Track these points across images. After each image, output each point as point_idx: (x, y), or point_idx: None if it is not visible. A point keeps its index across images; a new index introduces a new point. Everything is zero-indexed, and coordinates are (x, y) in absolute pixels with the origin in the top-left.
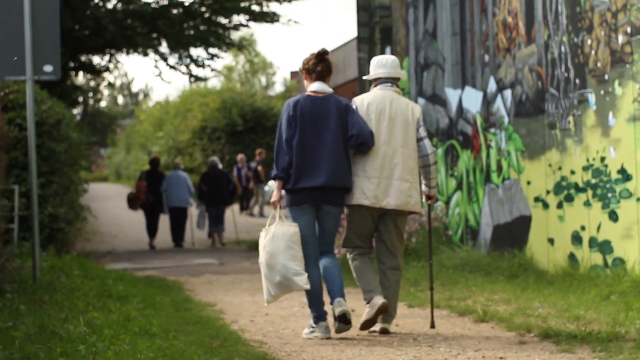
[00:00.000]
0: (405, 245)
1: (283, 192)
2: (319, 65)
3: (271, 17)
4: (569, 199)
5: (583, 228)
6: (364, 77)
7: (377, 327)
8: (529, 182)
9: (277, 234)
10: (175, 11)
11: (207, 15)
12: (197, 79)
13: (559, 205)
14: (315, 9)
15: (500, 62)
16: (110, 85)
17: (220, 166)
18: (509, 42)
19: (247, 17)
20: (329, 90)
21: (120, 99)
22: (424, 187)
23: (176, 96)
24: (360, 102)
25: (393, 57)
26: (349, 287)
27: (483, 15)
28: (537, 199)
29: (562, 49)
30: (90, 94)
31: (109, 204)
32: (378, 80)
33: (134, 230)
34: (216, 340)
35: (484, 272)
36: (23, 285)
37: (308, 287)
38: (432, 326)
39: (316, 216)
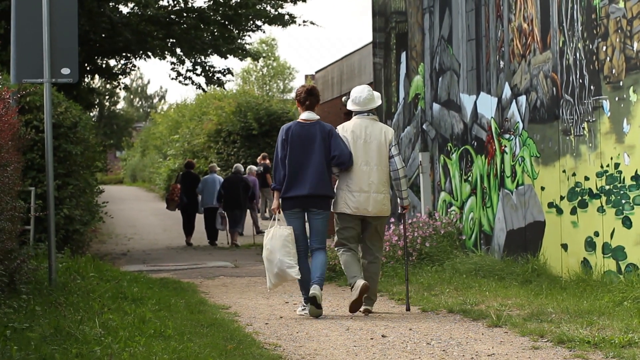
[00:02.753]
0: (412, 248)
1: None
2: (308, 99)
3: (287, 20)
4: (583, 205)
5: (597, 234)
6: (348, 108)
7: (360, 309)
8: (543, 188)
9: (275, 235)
10: (189, 17)
11: (221, 21)
12: (213, 82)
13: (573, 211)
14: (331, 13)
15: (515, 68)
16: (126, 88)
17: (246, 169)
18: (524, 48)
19: (262, 20)
20: (316, 117)
21: (136, 102)
22: (398, 200)
23: (192, 99)
24: (342, 129)
25: (366, 94)
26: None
27: (499, 21)
28: (551, 205)
29: (577, 55)
30: (107, 97)
31: (124, 206)
32: (356, 112)
33: (148, 233)
34: (231, 343)
35: (498, 277)
36: (39, 286)
37: (299, 277)
38: (408, 309)
39: (307, 218)
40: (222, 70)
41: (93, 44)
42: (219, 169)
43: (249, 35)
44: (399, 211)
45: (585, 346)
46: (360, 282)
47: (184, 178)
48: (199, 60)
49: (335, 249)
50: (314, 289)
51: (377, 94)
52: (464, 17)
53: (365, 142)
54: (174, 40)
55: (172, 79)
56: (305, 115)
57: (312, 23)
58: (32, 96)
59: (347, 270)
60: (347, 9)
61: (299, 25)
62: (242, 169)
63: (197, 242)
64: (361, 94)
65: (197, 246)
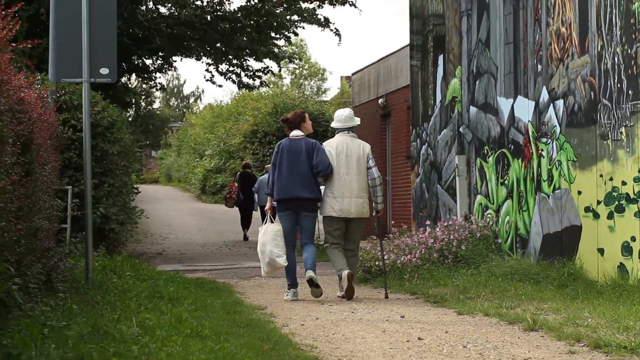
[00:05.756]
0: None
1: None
2: (287, 125)
3: (322, 22)
4: (620, 209)
5: (633, 239)
6: (332, 126)
7: (340, 293)
8: (579, 192)
9: (267, 230)
10: (223, 23)
11: (254, 28)
12: (247, 86)
13: (610, 216)
14: (367, 14)
15: (552, 72)
16: (163, 87)
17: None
18: (562, 52)
19: (298, 18)
20: (301, 134)
21: (173, 102)
22: (374, 204)
23: (228, 100)
24: (327, 145)
25: (347, 113)
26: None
27: (536, 25)
28: (587, 209)
29: (616, 59)
30: (143, 96)
31: (159, 205)
32: (338, 129)
33: (184, 232)
34: (267, 344)
35: (534, 281)
36: (75, 284)
37: (286, 264)
38: (386, 297)
39: (297, 219)
40: (262, 69)
41: (129, 44)
42: None
43: (282, 38)
44: (374, 214)
45: (622, 351)
46: (346, 272)
47: (241, 178)
48: (235, 62)
49: (325, 245)
50: (309, 273)
51: (356, 118)
52: (501, 21)
53: (346, 156)
54: (209, 44)
55: (207, 80)
56: (293, 133)
57: (338, 35)
58: (70, 95)
59: (334, 262)
60: (384, 10)
61: (332, 31)
62: None
63: (212, 242)
64: (343, 112)
65: (233, 246)
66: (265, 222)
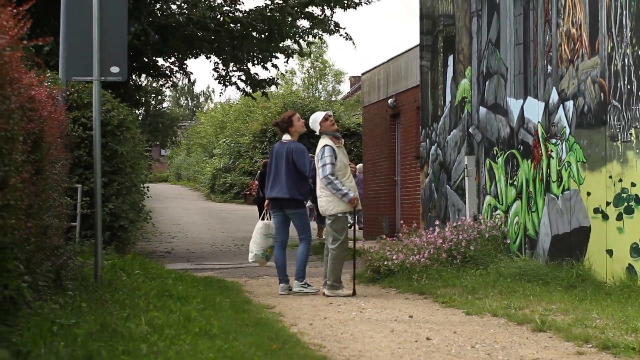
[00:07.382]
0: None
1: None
2: (278, 128)
3: (331, 29)
4: (629, 211)
5: None
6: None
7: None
8: (589, 193)
9: (256, 225)
10: (235, 25)
11: (264, 33)
12: (255, 90)
13: (619, 217)
14: (378, 15)
15: (562, 73)
16: (174, 85)
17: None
18: (572, 54)
19: (308, 21)
20: (289, 138)
21: (182, 101)
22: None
23: (237, 99)
24: None
25: (311, 119)
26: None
27: (547, 26)
28: (596, 210)
29: (626, 61)
30: (152, 95)
31: (169, 204)
32: None
33: (192, 231)
34: (276, 343)
35: (542, 281)
36: (84, 283)
37: (252, 261)
38: (354, 293)
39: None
40: (267, 80)
41: (141, 44)
42: None
43: (296, 43)
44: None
45: (630, 352)
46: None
47: (262, 176)
48: (243, 68)
49: None
50: (296, 286)
51: (316, 121)
52: (512, 21)
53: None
54: (220, 46)
55: (215, 79)
56: (283, 137)
57: (350, 39)
58: (81, 94)
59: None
60: (395, 10)
61: (341, 36)
62: None
63: (220, 244)
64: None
65: (242, 245)
66: (262, 218)
